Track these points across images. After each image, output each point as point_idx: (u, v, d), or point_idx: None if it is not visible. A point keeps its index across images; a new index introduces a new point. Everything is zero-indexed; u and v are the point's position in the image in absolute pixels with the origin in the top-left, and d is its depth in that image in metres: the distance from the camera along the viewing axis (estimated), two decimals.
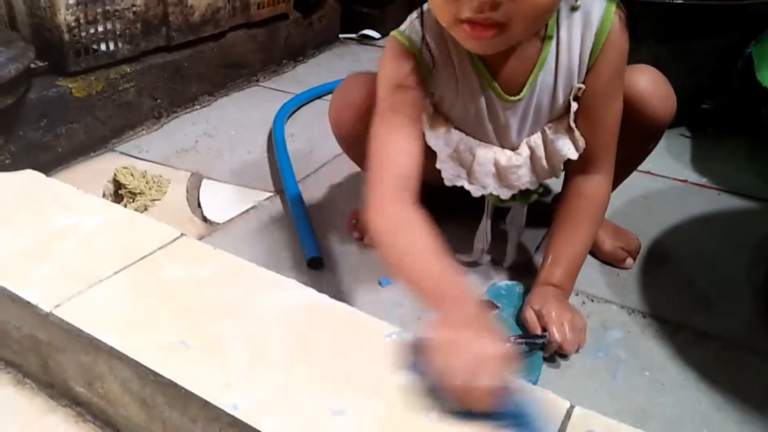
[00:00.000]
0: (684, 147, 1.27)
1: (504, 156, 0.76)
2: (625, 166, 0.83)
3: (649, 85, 0.78)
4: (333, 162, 1.17)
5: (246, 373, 0.55)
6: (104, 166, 1.15)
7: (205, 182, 1.11)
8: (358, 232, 0.95)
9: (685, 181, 1.15)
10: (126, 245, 0.69)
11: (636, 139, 0.80)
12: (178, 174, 1.13)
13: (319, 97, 1.44)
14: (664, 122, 0.80)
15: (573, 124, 0.74)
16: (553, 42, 0.69)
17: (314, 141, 1.25)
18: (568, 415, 0.52)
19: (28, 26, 1.12)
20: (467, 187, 0.78)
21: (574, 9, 0.68)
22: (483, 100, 0.73)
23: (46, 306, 0.60)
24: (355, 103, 0.81)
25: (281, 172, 1.09)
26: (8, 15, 1.14)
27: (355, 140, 0.88)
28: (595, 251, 0.91)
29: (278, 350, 0.57)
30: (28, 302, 0.61)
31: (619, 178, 0.85)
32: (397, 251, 0.62)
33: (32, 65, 1.08)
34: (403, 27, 0.72)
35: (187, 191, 1.08)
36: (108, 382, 0.59)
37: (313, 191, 1.08)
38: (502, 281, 0.84)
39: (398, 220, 0.63)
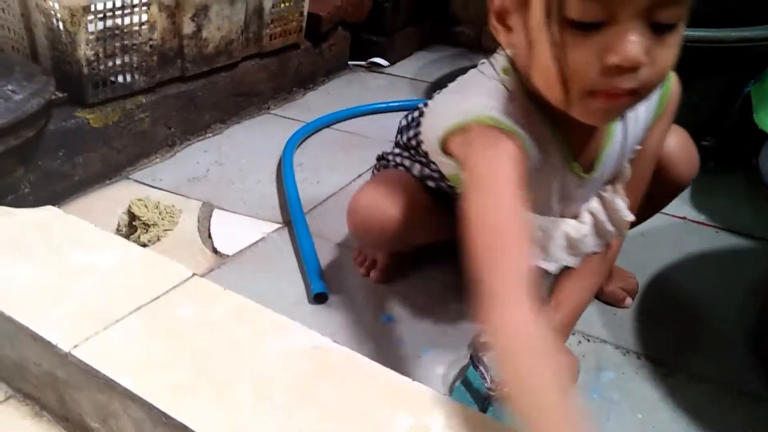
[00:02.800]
0: None
1: (571, 227, 0.75)
2: (639, 220, 0.83)
3: (677, 146, 0.79)
4: (340, 194, 1.20)
5: (251, 415, 0.58)
6: (119, 193, 1.19)
7: (215, 212, 1.15)
8: (364, 267, 0.98)
9: (684, 218, 1.17)
10: (141, 285, 0.72)
11: (658, 196, 0.82)
12: (190, 203, 1.17)
13: (327, 126, 1.48)
14: (687, 182, 0.82)
15: (620, 185, 0.75)
16: None
17: (322, 171, 1.28)
18: None
19: (49, 59, 1.17)
20: (544, 265, 0.75)
21: None
22: (560, 179, 0.70)
23: (65, 346, 0.63)
24: (385, 220, 0.79)
25: (289, 205, 1.13)
26: (30, 48, 1.18)
27: (380, 246, 0.91)
28: None
29: (283, 393, 0.60)
30: (48, 342, 0.64)
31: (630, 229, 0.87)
32: (522, 379, 0.53)
33: (52, 97, 1.12)
34: (480, 111, 0.62)
35: (198, 221, 1.12)
36: (122, 420, 0.62)
37: (320, 223, 1.11)
38: None
39: (523, 334, 0.54)
